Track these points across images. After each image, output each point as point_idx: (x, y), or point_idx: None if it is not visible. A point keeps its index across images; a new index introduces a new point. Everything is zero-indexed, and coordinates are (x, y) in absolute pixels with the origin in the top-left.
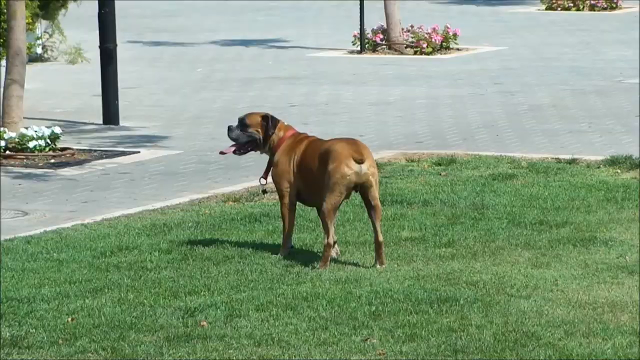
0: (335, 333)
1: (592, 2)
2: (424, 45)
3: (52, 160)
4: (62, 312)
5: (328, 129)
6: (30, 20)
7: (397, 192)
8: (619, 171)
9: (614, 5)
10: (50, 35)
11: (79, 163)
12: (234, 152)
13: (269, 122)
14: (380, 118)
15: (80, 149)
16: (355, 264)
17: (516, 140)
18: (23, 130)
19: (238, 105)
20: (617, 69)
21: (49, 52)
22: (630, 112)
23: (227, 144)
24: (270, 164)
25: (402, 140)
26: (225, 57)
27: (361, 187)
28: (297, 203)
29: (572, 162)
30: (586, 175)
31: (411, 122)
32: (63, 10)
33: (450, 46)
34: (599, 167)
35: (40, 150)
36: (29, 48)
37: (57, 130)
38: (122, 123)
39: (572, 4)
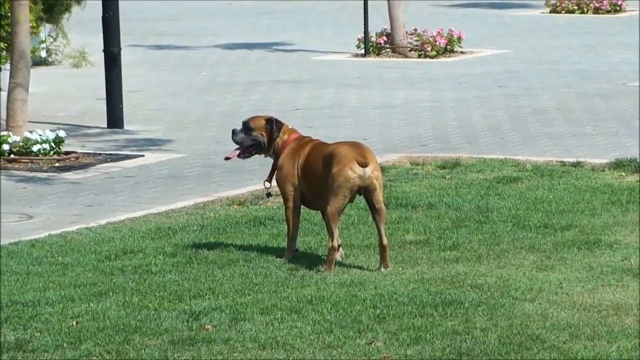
0: (340, 336)
1: (596, 5)
2: (428, 49)
3: (57, 164)
4: (66, 315)
5: (332, 132)
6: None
7: (401, 196)
8: (623, 174)
9: (618, 8)
10: (54, 39)
11: (84, 167)
12: (238, 155)
13: (273, 125)
14: (385, 121)
15: (85, 153)
16: (360, 267)
17: (521, 143)
18: (27, 134)
19: (242, 108)
20: (621, 71)
21: (53, 55)
22: (634, 115)
23: (231, 147)
24: (274, 168)
25: (407, 143)
26: (229, 60)
27: (365, 191)
28: (302, 206)
29: (576, 165)
30: (591, 178)
31: (415, 125)
32: (67, 14)
33: (455, 49)
34: (603, 170)
35: (45, 154)
36: (33, 52)
37: (62, 133)
38: (126, 127)
39: (576, 7)
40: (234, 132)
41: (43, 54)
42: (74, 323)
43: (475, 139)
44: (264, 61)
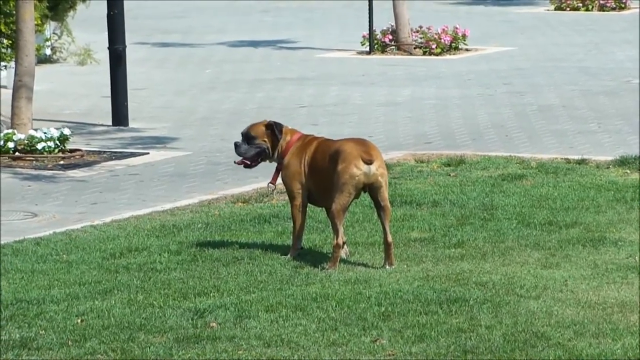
0: (345, 334)
1: (601, 2)
2: (433, 46)
3: (62, 162)
4: (71, 313)
5: (337, 129)
6: (39, 22)
7: (406, 193)
8: (628, 171)
9: (623, 6)
10: (59, 37)
11: (88, 164)
12: (245, 166)
13: (274, 128)
14: (390, 119)
15: (90, 151)
16: (365, 265)
17: (525, 141)
18: (32, 132)
19: (247, 106)
20: (626, 69)
21: (57, 53)
22: (638, 112)
23: (231, 145)
24: (278, 169)
25: (411, 140)
26: (233, 58)
27: (370, 188)
28: (308, 204)
29: (581, 162)
30: (595, 176)
31: (420, 123)
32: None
33: (459, 47)
34: (608, 168)
35: (50, 152)
36: (38, 49)
37: (67, 131)
38: (131, 124)
39: (581, 4)
40: (236, 145)
41: (48, 51)
42: (79, 321)
43: (480, 136)
44: (268, 59)
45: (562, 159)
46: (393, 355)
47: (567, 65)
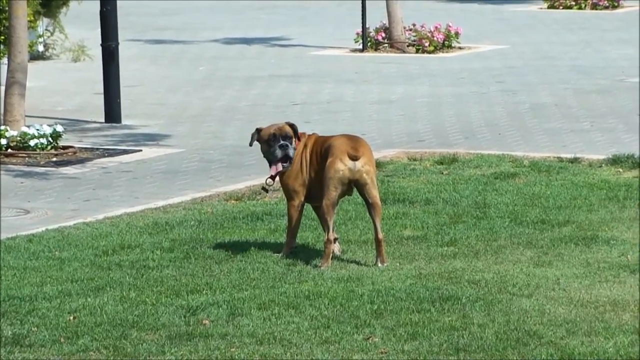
0: (337, 332)
1: (594, 0)
2: (426, 44)
3: (54, 159)
4: (64, 310)
5: (330, 127)
6: (32, 18)
7: (399, 191)
8: (620, 170)
9: (616, 4)
10: (52, 33)
11: (81, 161)
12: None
13: (295, 129)
14: (383, 116)
15: (82, 147)
16: (358, 263)
17: (518, 139)
18: (25, 129)
19: (240, 103)
20: (619, 67)
21: (50, 50)
22: (632, 110)
23: (227, 142)
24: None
25: (404, 138)
26: (227, 55)
27: (356, 184)
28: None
29: (574, 161)
30: (588, 174)
31: (413, 121)
32: (64, 8)
33: (452, 45)
34: (600, 166)
35: (42, 149)
36: (30, 46)
37: (59, 128)
38: (124, 121)
39: (574, 3)
40: (285, 146)
41: (40, 48)
42: (71, 318)
43: (473, 134)
44: (262, 56)
45: (554, 157)
46: (385, 353)
47: (560, 64)
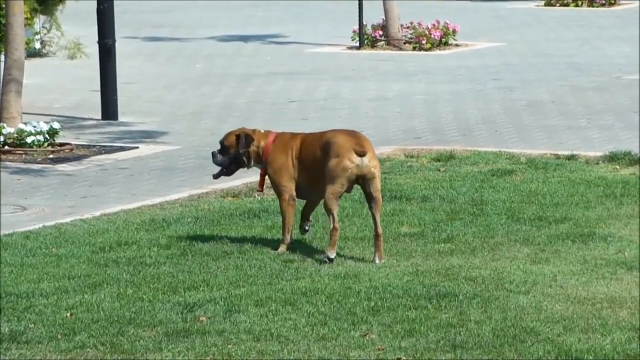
0: (334, 328)
1: None
2: (423, 41)
3: (51, 156)
4: (61, 307)
5: (327, 124)
6: (29, 16)
7: (396, 188)
8: (617, 167)
9: (613, 2)
10: (48, 31)
11: (78, 158)
12: (224, 174)
13: (240, 140)
14: (379, 114)
15: (79, 145)
16: (355, 260)
17: (515, 136)
18: (21, 126)
19: (237, 100)
20: (616, 64)
21: (47, 47)
22: (629, 108)
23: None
24: (262, 174)
25: (401, 135)
26: (224, 52)
27: (363, 180)
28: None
29: (571, 158)
30: (585, 171)
31: (410, 118)
32: (61, 6)
33: (449, 42)
34: (597, 163)
35: (39, 146)
36: (27, 43)
37: (56, 125)
38: (120, 118)
39: (570, 0)
40: (213, 155)
41: (37, 45)
42: (68, 314)
43: (469, 131)
44: (259, 53)
45: (551, 154)
46: (382, 349)
47: (557, 61)
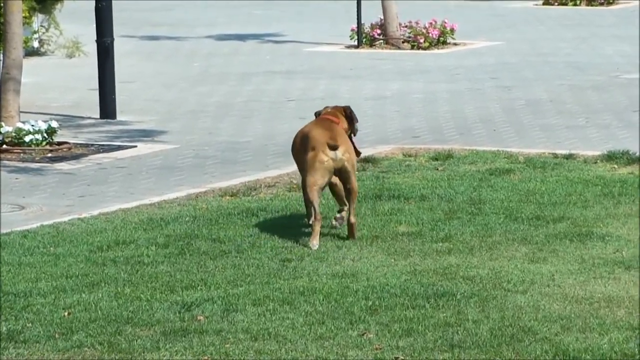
0: (332, 328)
1: None
2: (421, 40)
3: (49, 155)
4: (58, 306)
5: None
6: (27, 14)
7: (394, 187)
8: (616, 166)
9: (611, 1)
10: (47, 29)
11: (76, 157)
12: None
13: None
14: (378, 113)
15: (77, 143)
16: (352, 259)
17: (513, 135)
18: (20, 125)
19: (235, 99)
20: (614, 64)
21: (45, 46)
22: (627, 107)
23: (220, 139)
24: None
25: (399, 135)
26: (222, 51)
27: (339, 172)
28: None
29: (569, 157)
30: (583, 171)
31: (408, 117)
32: (59, 4)
33: (447, 41)
34: (596, 162)
35: (37, 145)
36: (25, 42)
37: (54, 124)
38: (119, 117)
39: None
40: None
41: (35, 44)
42: (66, 314)
43: (468, 130)
44: (257, 52)
45: (549, 153)
46: (380, 349)
47: (555, 60)
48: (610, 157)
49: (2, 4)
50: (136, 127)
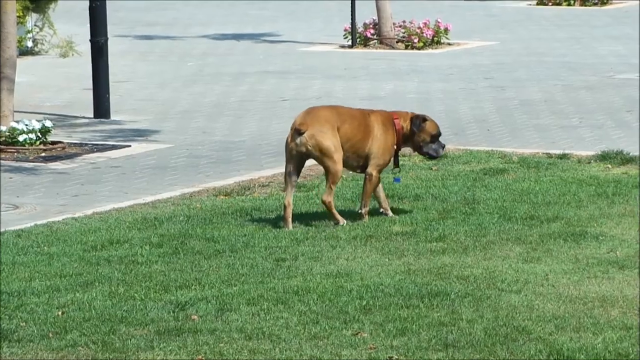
0: (326, 327)
1: None
2: (415, 40)
3: (43, 154)
4: (52, 305)
5: None
6: (21, 14)
7: (388, 187)
8: (609, 166)
9: (605, 1)
10: (41, 29)
11: (70, 157)
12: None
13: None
14: None
15: (71, 143)
16: (346, 259)
17: (507, 135)
18: (13, 124)
19: (229, 99)
20: (608, 64)
21: (39, 45)
22: (620, 107)
23: (216, 138)
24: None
25: None
26: (216, 51)
27: (308, 156)
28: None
29: (563, 157)
30: (577, 170)
31: None
32: (53, 4)
33: (442, 41)
34: (589, 162)
35: (31, 144)
36: (19, 41)
37: (48, 123)
38: (113, 117)
39: None
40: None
41: (29, 43)
42: (60, 313)
43: (462, 130)
44: (251, 52)
45: (543, 153)
46: (374, 348)
47: (549, 60)
48: (604, 157)
49: None
50: (130, 127)
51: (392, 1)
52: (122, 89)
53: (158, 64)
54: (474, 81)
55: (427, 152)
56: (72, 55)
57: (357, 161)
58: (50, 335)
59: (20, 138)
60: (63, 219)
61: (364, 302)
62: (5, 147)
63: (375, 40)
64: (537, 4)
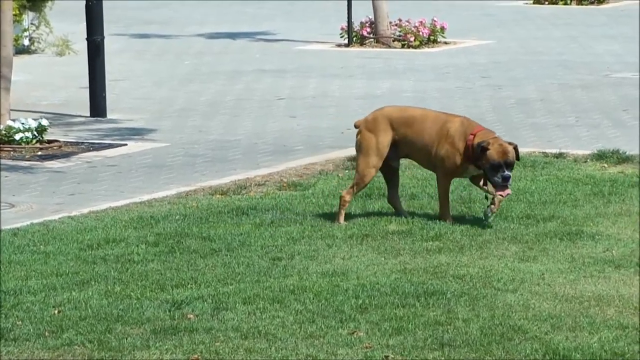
0: (322, 326)
1: None
2: (412, 39)
3: (39, 153)
4: (48, 304)
5: (315, 122)
6: (17, 12)
7: (384, 186)
8: (606, 165)
9: (602, 0)
10: (37, 27)
11: (66, 155)
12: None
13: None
14: (368, 111)
15: (68, 142)
16: (342, 258)
17: (503, 134)
18: (10, 123)
19: (225, 98)
20: (605, 63)
21: (35, 44)
22: (617, 106)
23: (212, 137)
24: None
25: None
26: (212, 49)
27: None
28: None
29: (559, 156)
30: (573, 170)
31: None
32: (50, 2)
33: (438, 40)
34: (586, 162)
35: (27, 143)
36: (16, 40)
37: (44, 122)
38: (109, 115)
39: None
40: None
41: (26, 42)
42: (56, 312)
43: None
44: (247, 50)
45: (540, 152)
46: (370, 347)
47: (545, 59)
48: (600, 156)
49: None
50: (126, 126)
51: (389, 0)
52: (118, 88)
53: (154, 63)
54: (471, 80)
55: (490, 179)
56: (69, 53)
57: (428, 162)
58: (47, 334)
59: (17, 137)
60: (59, 218)
61: (360, 301)
62: (1, 145)
63: (372, 39)
64: (534, 3)
